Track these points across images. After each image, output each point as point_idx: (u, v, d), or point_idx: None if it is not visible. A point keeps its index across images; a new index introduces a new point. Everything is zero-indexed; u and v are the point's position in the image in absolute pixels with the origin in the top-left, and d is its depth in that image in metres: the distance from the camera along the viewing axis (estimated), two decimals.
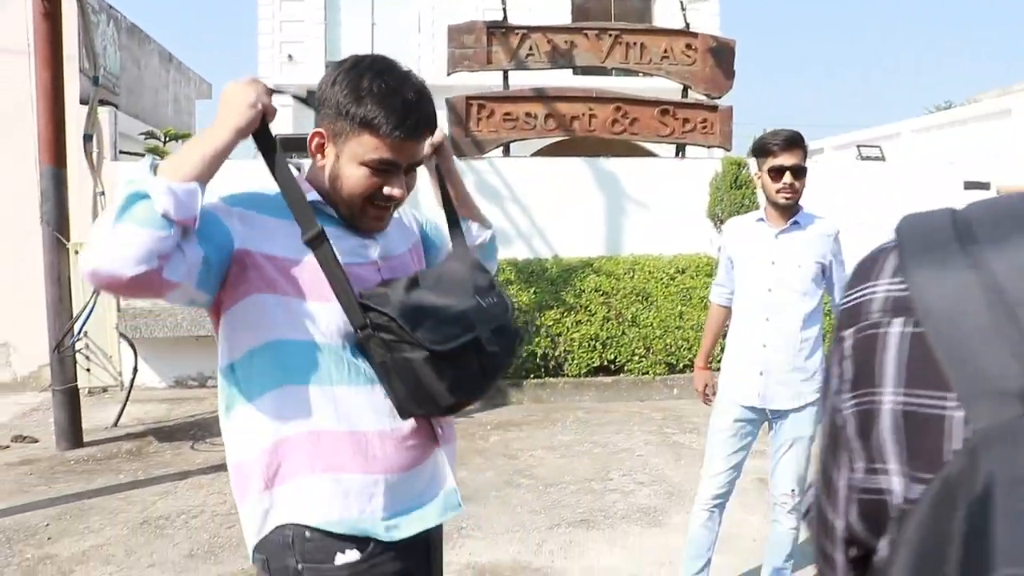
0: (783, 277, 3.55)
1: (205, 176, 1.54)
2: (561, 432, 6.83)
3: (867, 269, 0.71)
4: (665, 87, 10.52)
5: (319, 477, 1.67)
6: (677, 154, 10.09)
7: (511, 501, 5.21)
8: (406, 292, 1.72)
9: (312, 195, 1.76)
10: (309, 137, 1.76)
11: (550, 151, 11.69)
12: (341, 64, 1.76)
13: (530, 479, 5.66)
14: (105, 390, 7.85)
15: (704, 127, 9.73)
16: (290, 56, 18.81)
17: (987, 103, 16.42)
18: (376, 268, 1.84)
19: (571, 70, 12.98)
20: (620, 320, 8.19)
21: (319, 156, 1.77)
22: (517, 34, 9.51)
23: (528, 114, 9.33)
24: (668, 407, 7.66)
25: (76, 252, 6.85)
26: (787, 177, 3.48)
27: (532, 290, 8.26)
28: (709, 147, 10.20)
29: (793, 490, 3.62)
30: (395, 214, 1.95)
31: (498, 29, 9.51)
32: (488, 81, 10.99)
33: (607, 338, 8.09)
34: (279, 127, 18.14)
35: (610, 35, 9.65)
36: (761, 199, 3.98)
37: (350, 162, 1.72)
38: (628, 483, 5.58)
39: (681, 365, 8.19)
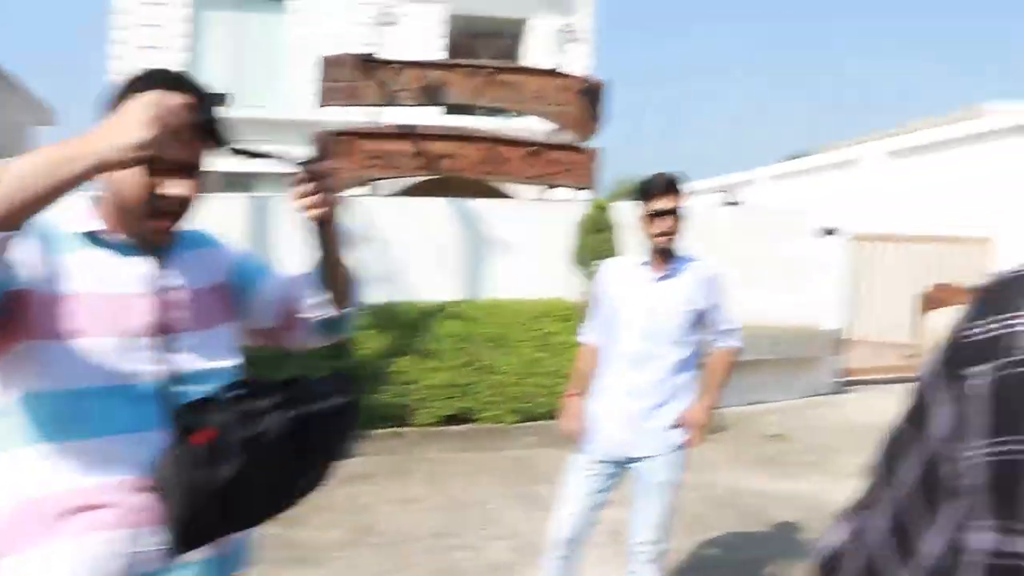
0: (658, 326, 3.49)
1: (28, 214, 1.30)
2: (412, 485, 6.58)
3: (1004, 296, 0.58)
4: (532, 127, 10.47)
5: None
6: (542, 196, 10.04)
7: (357, 562, 4.94)
8: None
9: (94, 223, 1.62)
10: None
11: (416, 191, 11.45)
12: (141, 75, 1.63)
13: (378, 537, 5.40)
14: None
15: (572, 169, 9.67)
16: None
17: (836, 152, 17.17)
18: (146, 299, 1.66)
19: (443, 108, 12.89)
20: (476, 367, 7.99)
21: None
22: (390, 69, 9.29)
23: (395, 152, 9.10)
24: (522, 456, 7.49)
25: None
26: (665, 221, 3.42)
27: (387, 335, 7.99)
28: (578, 189, 10.16)
29: (657, 539, 3.51)
30: (197, 247, 1.84)
31: (370, 63, 9.26)
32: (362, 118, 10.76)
33: (465, 385, 7.87)
34: None
35: (483, 73, 9.53)
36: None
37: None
38: (478, 539, 5.37)
39: (536, 412, 8.03)
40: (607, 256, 8.44)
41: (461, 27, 20.07)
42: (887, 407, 5.55)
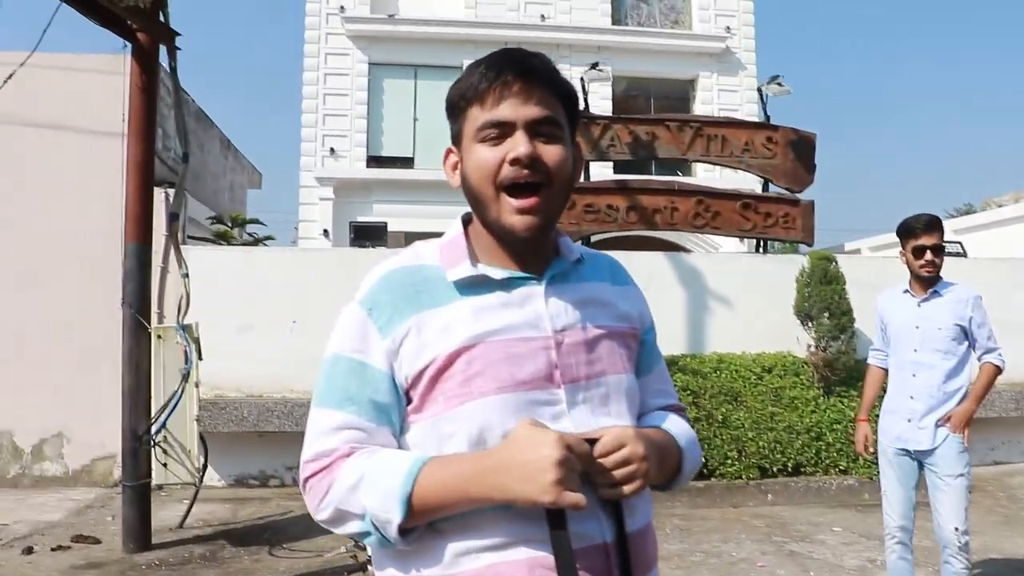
0: (926, 339, 4.24)
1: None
2: (665, 541, 6.40)
3: None
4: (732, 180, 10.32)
5: None
6: (757, 249, 9.84)
7: None
8: None
9: (465, 266, 1.41)
10: (443, 160, 1.49)
11: (605, 245, 11.42)
12: None
13: None
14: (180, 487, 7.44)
15: (786, 221, 9.46)
16: (332, 149, 18.94)
17: None
18: (548, 346, 1.38)
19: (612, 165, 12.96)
20: (710, 421, 7.81)
21: (456, 176, 1.46)
22: (599, 124, 9.36)
23: (610, 206, 9.11)
24: (765, 513, 7.24)
25: (159, 337, 6.57)
26: (928, 255, 4.20)
27: None
28: (790, 242, 9.95)
29: (956, 528, 4.05)
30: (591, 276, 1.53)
31: (580, 119, 9.34)
32: None
33: (700, 440, 7.68)
34: (323, 219, 18.29)
35: (691, 127, 9.49)
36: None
37: (469, 151, 1.40)
38: None
39: (774, 469, 7.78)
40: (839, 308, 8.23)
41: (625, 87, 20.33)
42: None
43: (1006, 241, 15.30)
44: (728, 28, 20.22)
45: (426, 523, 1.29)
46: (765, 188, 9.80)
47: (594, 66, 10.43)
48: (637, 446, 1.30)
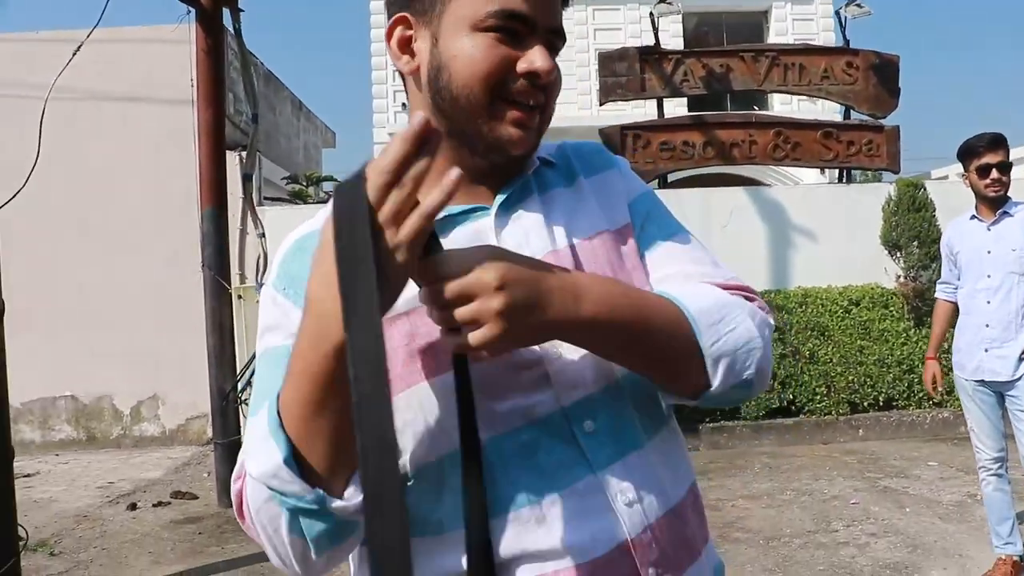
0: (999, 262, 4.05)
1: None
2: (754, 480, 6.34)
3: None
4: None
5: None
6: (840, 179, 9.54)
7: (737, 559, 4.73)
8: None
9: None
10: (386, 33, 1.12)
11: (676, 185, 11.20)
12: None
13: (746, 533, 5.18)
14: None
15: (870, 149, 9.13)
16: (404, 104, 18.92)
17: None
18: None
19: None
20: (797, 357, 7.65)
21: (405, 58, 1.10)
22: (671, 59, 9.13)
23: (686, 143, 8.91)
24: (857, 449, 7.10)
25: (239, 297, 6.69)
26: (994, 173, 4.00)
27: None
28: (875, 170, 9.62)
29: None
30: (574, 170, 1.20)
31: (651, 55, 9.14)
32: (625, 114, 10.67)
33: (785, 377, 7.56)
34: None
35: (767, 57, 9.18)
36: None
37: (456, 35, 1.04)
38: (858, 535, 5.05)
39: (865, 404, 7.61)
40: (929, 236, 7.93)
41: (696, 23, 19.84)
42: None
43: None
44: None
45: (333, 457, 0.91)
46: (847, 116, 9.46)
47: (663, 0, 10.11)
48: (487, 272, 0.88)
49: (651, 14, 10.22)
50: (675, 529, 1.07)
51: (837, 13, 10.33)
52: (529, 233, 1.10)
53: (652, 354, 1.03)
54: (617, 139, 8.81)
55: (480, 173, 1.10)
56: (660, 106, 9.35)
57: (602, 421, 1.05)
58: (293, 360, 0.91)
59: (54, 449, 8.59)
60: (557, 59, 1.09)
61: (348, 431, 0.79)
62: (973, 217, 4.22)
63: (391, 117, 18.95)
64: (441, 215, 0.90)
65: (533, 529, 1.00)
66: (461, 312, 0.87)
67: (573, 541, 1.00)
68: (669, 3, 10.21)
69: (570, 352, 1.05)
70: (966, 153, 4.14)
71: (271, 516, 0.94)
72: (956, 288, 4.36)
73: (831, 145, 9.10)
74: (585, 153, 1.24)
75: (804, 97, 11.31)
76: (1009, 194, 4.12)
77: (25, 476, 7.23)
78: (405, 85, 1.15)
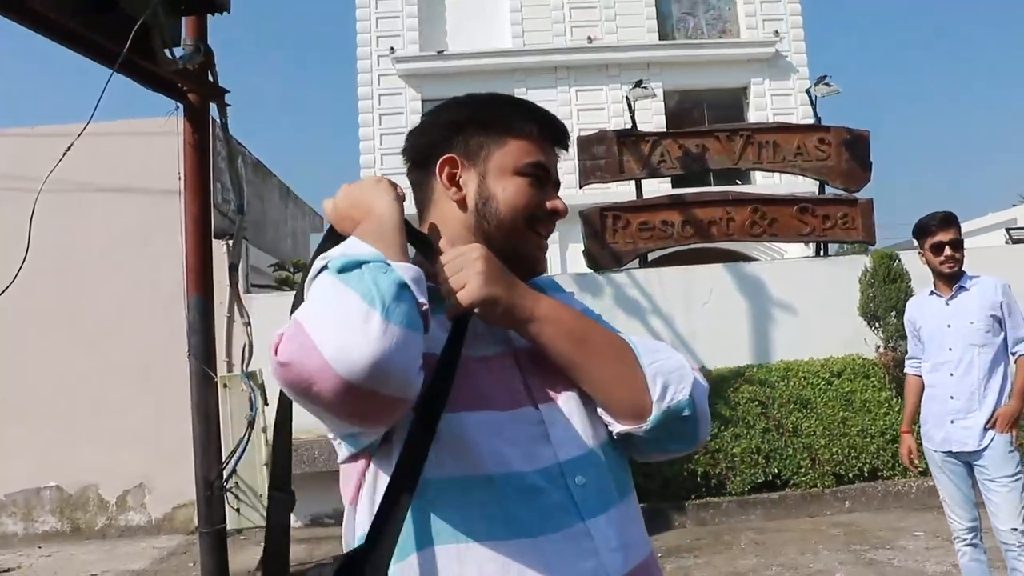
0: (959, 335, 4.19)
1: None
2: (740, 556, 6.34)
3: None
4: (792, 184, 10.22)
5: None
6: (818, 253, 9.72)
7: None
8: None
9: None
10: (438, 166, 1.41)
11: (659, 264, 11.38)
12: (450, 100, 1.50)
13: None
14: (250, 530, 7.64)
15: (845, 222, 9.36)
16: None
17: None
18: (513, 362, 1.36)
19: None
20: (780, 431, 7.71)
21: (453, 189, 1.40)
22: (648, 141, 9.39)
23: (664, 222, 9.11)
24: (844, 522, 7.10)
25: (225, 386, 6.75)
26: (947, 251, 4.18)
27: None
28: (852, 243, 9.81)
29: (1015, 528, 3.97)
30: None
31: (628, 138, 9.39)
32: (607, 194, 10.87)
33: (769, 451, 7.61)
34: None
35: (741, 136, 9.46)
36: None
37: (501, 176, 1.39)
38: None
39: (850, 475, 7.64)
40: (904, 306, 8.04)
41: (677, 101, 20.28)
42: None
43: None
44: (776, 32, 20.01)
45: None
46: (822, 190, 9.69)
47: (638, 84, 10.43)
48: (472, 249, 1.29)
49: (626, 97, 10.52)
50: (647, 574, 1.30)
51: (808, 91, 10.66)
52: None
53: (601, 362, 1.32)
54: (597, 220, 9.01)
55: None
56: (639, 187, 9.56)
57: (590, 477, 1.28)
58: (367, 235, 1.19)
59: (37, 542, 8.52)
60: None
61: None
62: (932, 293, 4.38)
63: None
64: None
65: (531, 560, 1.18)
66: (454, 275, 1.25)
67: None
68: (644, 87, 10.51)
69: (566, 417, 1.31)
70: (920, 232, 4.32)
71: (344, 304, 1.06)
72: (921, 362, 4.48)
73: (807, 220, 9.31)
74: (547, 281, 1.55)
75: (760, 171, 11.55)
76: (964, 268, 4.27)
77: (4, 572, 7.18)
78: (420, 201, 1.49)
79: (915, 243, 4.50)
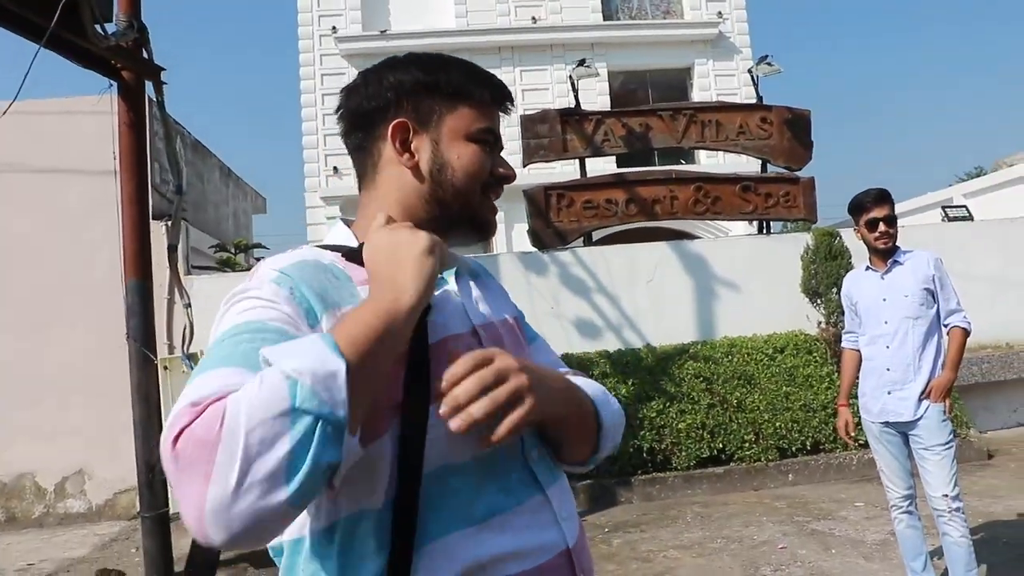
0: (895, 309, 4.27)
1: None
2: (686, 529, 6.40)
3: None
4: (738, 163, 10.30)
5: None
6: (760, 231, 9.82)
7: None
8: None
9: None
10: (390, 132, 1.33)
11: (606, 242, 11.43)
12: (389, 60, 1.42)
13: None
14: None
15: (787, 200, 9.46)
16: (335, 168, 19.01)
17: None
18: (472, 344, 1.30)
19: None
20: (725, 406, 7.79)
21: (406, 155, 1.34)
22: (591, 120, 9.38)
23: (608, 200, 9.13)
24: (787, 494, 7.20)
25: (165, 368, 6.64)
26: (881, 226, 4.24)
27: (630, 382, 7.91)
28: (794, 220, 9.92)
29: (946, 495, 4.07)
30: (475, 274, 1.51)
31: (572, 116, 9.38)
32: (551, 173, 10.85)
33: (714, 426, 7.68)
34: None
35: (684, 115, 9.50)
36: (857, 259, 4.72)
37: (454, 142, 1.36)
38: None
39: (793, 449, 7.74)
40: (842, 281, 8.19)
41: (622, 82, 20.35)
42: None
43: (1019, 201, 15.19)
44: (720, 13, 20.17)
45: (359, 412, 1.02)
46: (764, 169, 9.78)
47: (582, 63, 10.41)
48: (506, 358, 1.13)
49: (570, 76, 10.50)
50: (586, 545, 1.35)
51: (750, 71, 10.74)
52: (478, 302, 1.41)
53: (579, 427, 1.35)
54: (541, 199, 8.99)
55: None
56: (583, 166, 9.56)
57: (541, 451, 1.33)
58: (353, 325, 1.05)
59: None
60: None
61: (376, 395, 1.06)
62: (868, 268, 4.45)
63: (323, 181, 19.02)
64: None
65: (499, 536, 1.20)
66: (502, 391, 1.10)
67: (531, 547, 1.22)
68: (587, 66, 10.50)
69: None
70: (855, 209, 4.37)
71: (274, 431, 0.91)
72: (858, 336, 4.54)
73: (750, 198, 9.39)
74: (476, 264, 1.55)
75: (702, 150, 11.63)
76: (898, 243, 4.34)
77: None
78: (362, 165, 1.42)
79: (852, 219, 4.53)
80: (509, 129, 16.65)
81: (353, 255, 1.29)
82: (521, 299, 8.60)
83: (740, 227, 15.96)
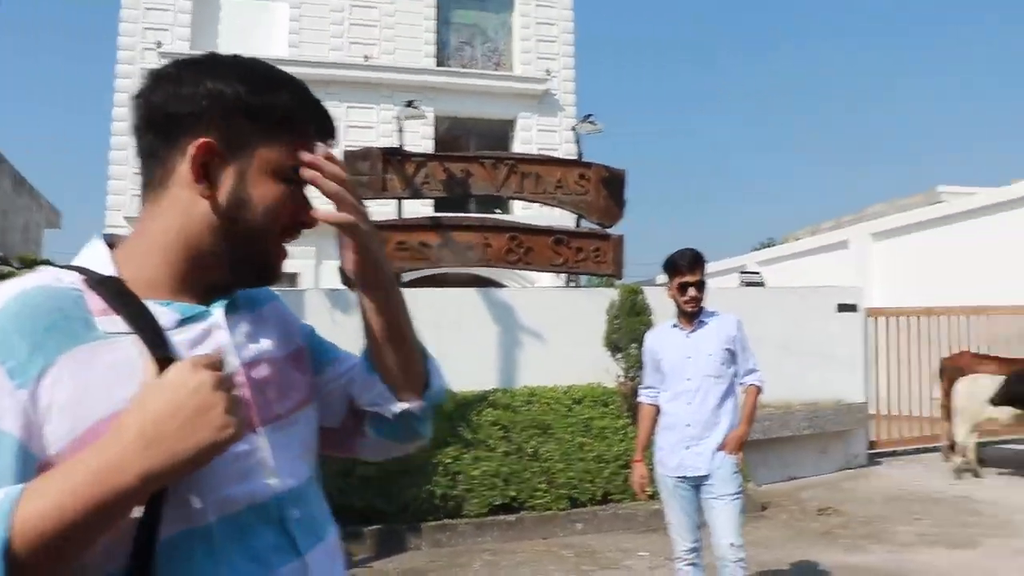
0: (698, 366, 4.44)
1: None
2: None
3: None
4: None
5: None
6: (568, 283, 10.06)
7: None
8: None
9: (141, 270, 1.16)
10: (192, 151, 1.14)
11: (420, 283, 11.48)
12: (212, 58, 1.23)
13: None
14: None
15: (597, 256, 9.72)
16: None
17: (827, 235, 17.76)
18: (242, 384, 1.17)
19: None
20: (520, 455, 7.86)
21: (204, 184, 1.16)
22: (413, 162, 9.39)
23: (423, 243, 9.13)
24: (575, 543, 7.31)
25: None
26: (691, 291, 4.44)
27: None
28: (602, 276, 10.21)
29: (732, 543, 4.26)
30: (257, 302, 1.34)
31: (394, 156, 9.37)
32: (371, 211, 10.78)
33: (508, 474, 7.72)
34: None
35: (506, 164, 9.65)
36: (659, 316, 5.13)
37: (261, 178, 1.18)
38: None
39: (584, 499, 7.88)
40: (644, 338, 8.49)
41: (448, 127, 20.59)
42: (920, 476, 5.71)
43: (803, 270, 16.36)
44: (548, 71, 20.79)
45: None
46: (578, 224, 10.05)
47: (409, 104, 10.49)
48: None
49: (397, 117, 10.52)
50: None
51: (573, 128, 11.09)
52: (248, 336, 1.24)
53: (410, 336, 1.36)
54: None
55: (215, 287, 1.22)
56: (400, 206, 9.54)
57: (305, 511, 1.21)
58: (85, 471, 0.92)
59: None
60: None
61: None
62: (675, 325, 4.61)
63: (128, 200, 18.16)
64: (185, 311, 1.15)
65: None
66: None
67: None
68: (415, 107, 10.56)
69: (280, 445, 1.20)
70: (669, 268, 4.53)
71: None
72: (658, 392, 4.66)
73: (561, 251, 9.61)
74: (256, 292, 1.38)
75: (520, 200, 11.85)
76: (704, 304, 4.57)
77: None
78: (150, 172, 1.22)
79: (665, 276, 4.70)
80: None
81: (102, 283, 1.09)
82: (326, 337, 8.42)
83: (547, 278, 16.34)
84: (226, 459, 1.04)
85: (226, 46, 19.03)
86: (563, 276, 10.62)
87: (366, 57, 19.72)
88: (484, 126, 20.69)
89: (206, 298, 1.20)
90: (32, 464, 0.96)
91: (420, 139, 18.37)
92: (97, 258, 1.16)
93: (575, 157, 10.47)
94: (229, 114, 1.16)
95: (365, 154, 9.36)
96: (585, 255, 9.71)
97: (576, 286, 10.08)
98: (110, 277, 1.11)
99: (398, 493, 7.26)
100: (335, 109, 18.92)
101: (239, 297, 1.27)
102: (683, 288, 4.44)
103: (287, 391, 1.25)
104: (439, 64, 20.54)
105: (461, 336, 8.89)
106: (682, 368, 4.48)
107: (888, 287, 14.32)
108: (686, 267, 4.43)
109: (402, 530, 7.22)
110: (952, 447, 9.65)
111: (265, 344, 1.26)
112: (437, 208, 15.07)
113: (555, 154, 18.43)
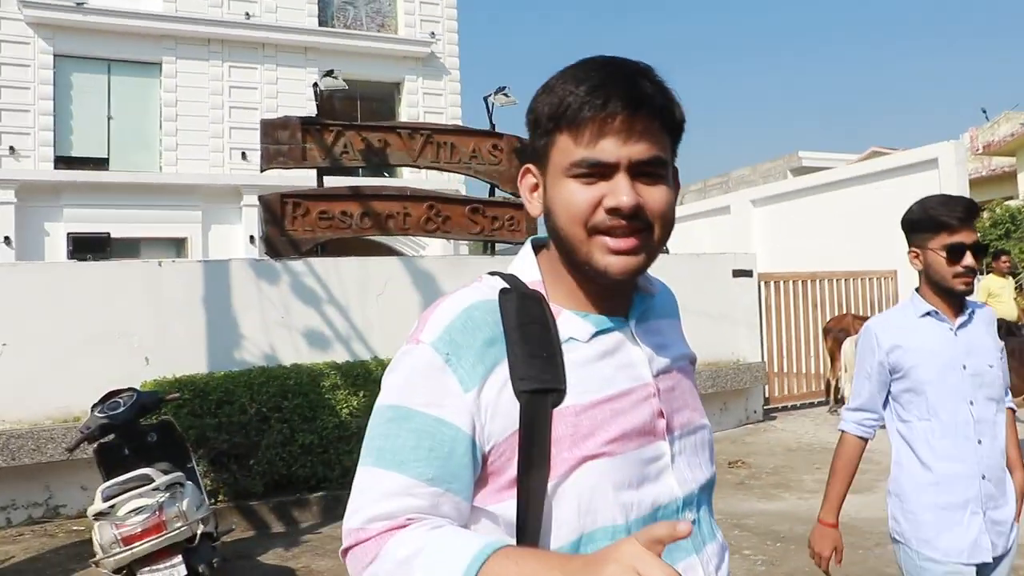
0: (982, 383, 2.72)
1: None
2: None
3: None
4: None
5: None
6: (485, 250, 10.28)
7: None
8: None
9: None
10: (519, 178, 1.29)
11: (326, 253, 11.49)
12: (574, 67, 1.24)
13: None
14: None
15: (511, 224, 9.98)
16: (12, 148, 17.39)
17: (714, 200, 18.56)
18: (649, 395, 1.26)
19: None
20: None
21: (534, 198, 1.28)
22: (331, 131, 9.37)
23: (344, 212, 9.16)
24: None
25: None
26: (968, 258, 2.63)
27: (360, 394, 7.99)
28: (516, 243, 10.49)
29: None
30: (653, 285, 1.38)
31: (313, 126, 9.34)
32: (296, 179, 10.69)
33: None
34: (4, 226, 16.63)
35: (422, 135, 9.74)
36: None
37: (556, 184, 1.21)
38: None
39: None
40: None
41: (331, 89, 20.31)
42: (812, 429, 6.20)
43: (693, 235, 17.00)
44: (433, 33, 20.74)
45: None
46: (492, 193, 10.26)
47: (329, 73, 10.42)
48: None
49: (315, 84, 10.44)
50: None
51: (486, 99, 11.24)
52: (657, 349, 1.31)
53: None
54: (277, 206, 8.87)
55: (603, 289, 1.26)
56: (320, 176, 9.54)
57: (701, 513, 1.32)
58: (534, 569, 0.99)
59: None
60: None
61: None
62: (928, 314, 2.77)
63: None
64: (597, 325, 1.24)
65: None
66: None
67: None
68: (335, 77, 10.50)
69: (680, 452, 1.29)
70: (928, 225, 2.71)
71: None
72: (879, 418, 2.95)
73: (478, 220, 9.82)
74: (672, 295, 1.49)
75: (436, 171, 11.94)
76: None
77: None
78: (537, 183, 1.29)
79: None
80: (213, 126, 16.09)
81: (525, 299, 1.23)
82: (251, 307, 8.37)
83: (436, 246, 16.43)
84: (638, 462, 1.21)
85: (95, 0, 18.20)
86: (452, 243, 10.77)
87: (247, 15, 19.18)
88: (369, 88, 20.48)
89: (612, 304, 1.28)
90: (478, 456, 1.16)
91: (305, 101, 18.08)
92: (526, 267, 1.30)
93: (487, 128, 10.61)
94: (535, 130, 1.25)
95: (284, 123, 9.29)
96: (500, 224, 9.95)
97: (493, 253, 10.30)
98: (533, 293, 1.24)
99: (337, 459, 7.41)
100: (216, 68, 18.52)
101: (649, 309, 1.35)
102: (955, 252, 2.62)
103: (689, 400, 1.35)
104: (322, 24, 20.17)
105: (386, 304, 9.01)
106: (959, 384, 2.70)
107: (767, 252, 15.11)
108: (960, 222, 2.63)
109: (345, 496, 7.33)
110: (840, 401, 10.44)
111: (667, 357, 1.33)
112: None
113: (441, 118, 18.63)
